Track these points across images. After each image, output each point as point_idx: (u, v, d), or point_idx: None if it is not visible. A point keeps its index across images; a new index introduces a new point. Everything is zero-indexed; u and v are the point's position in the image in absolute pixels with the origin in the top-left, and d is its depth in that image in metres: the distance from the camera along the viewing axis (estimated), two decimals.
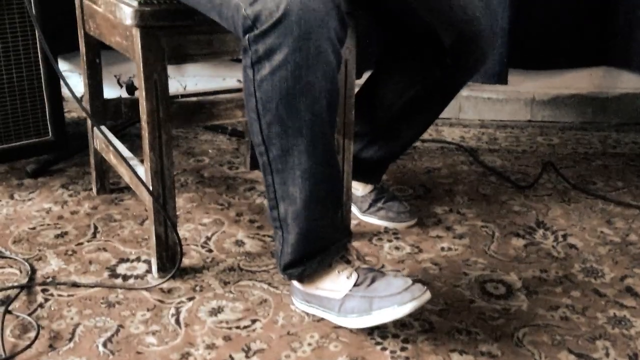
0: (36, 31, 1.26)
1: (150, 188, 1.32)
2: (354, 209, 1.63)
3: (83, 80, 1.63)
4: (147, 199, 1.35)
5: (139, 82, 1.27)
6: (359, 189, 1.63)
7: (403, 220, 1.59)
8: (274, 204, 1.18)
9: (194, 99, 1.34)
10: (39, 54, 1.81)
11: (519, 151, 2.04)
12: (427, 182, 1.83)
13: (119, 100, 1.66)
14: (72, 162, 1.90)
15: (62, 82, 1.26)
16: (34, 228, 1.56)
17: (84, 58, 1.60)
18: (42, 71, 1.83)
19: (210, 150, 2.01)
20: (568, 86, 2.27)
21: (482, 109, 2.30)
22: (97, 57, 1.60)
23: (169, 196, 1.35)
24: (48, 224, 1.58)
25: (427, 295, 1.14)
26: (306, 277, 1.23)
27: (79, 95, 2.37)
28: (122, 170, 1.47)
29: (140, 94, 1.28)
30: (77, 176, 1.82)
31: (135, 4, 1.23)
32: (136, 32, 1.23)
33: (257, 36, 1.04)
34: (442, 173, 1.89)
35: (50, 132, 1.90)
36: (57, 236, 1.53)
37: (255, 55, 1.05)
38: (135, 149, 1.79)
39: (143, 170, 1.37)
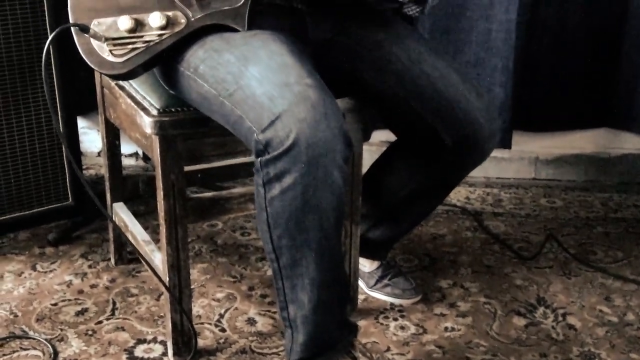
0: (47, 100, 1.33)
1: (167, 279, 1.40)
2: (361, 284, 1.70)
3: (103, 161, 1.70)
4: (163, 289, 1.43)
5: (157, 183, 1.35)
6: (366, 265, 1.69)
7: (408, 297, 1.66)
8: (284, 305, 1.25)
9: (209, 194, 1.41)
10: (60, 120, 1.89)
11: (522, 215, 2.10)
12: (433, 252, 1.90)
13: (136, 178, 1.74)
14: (92, 227, 1.97)
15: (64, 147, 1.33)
16: (55, 304, 1.63)
17: (104, 140, 1.68)
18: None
19: None
20: (571, 146, 2.33)
21: (488, 167, 2.36)
22: (117, 139, 1.68)
23: (185, 285, 1.42)
24: (69, 300, 1.65)
25: None
26: None
27: (96, 150, 2.49)
28: (140, 254, 1.54)
29: (159, 194, 1.36)
30: (96, 244, 1.90)
31: (155, 112, 1.31)
32: (155, 139, 1.31)
33: (269, 160, 1.11)
34: (447, 241, 1.95)
35: (70, 197, 1.97)
36: (77, 313, 1.60)
37: (266, 177, 1.12)
38: (152, 212, 1.87)
39: (160, 258, 1.44)
